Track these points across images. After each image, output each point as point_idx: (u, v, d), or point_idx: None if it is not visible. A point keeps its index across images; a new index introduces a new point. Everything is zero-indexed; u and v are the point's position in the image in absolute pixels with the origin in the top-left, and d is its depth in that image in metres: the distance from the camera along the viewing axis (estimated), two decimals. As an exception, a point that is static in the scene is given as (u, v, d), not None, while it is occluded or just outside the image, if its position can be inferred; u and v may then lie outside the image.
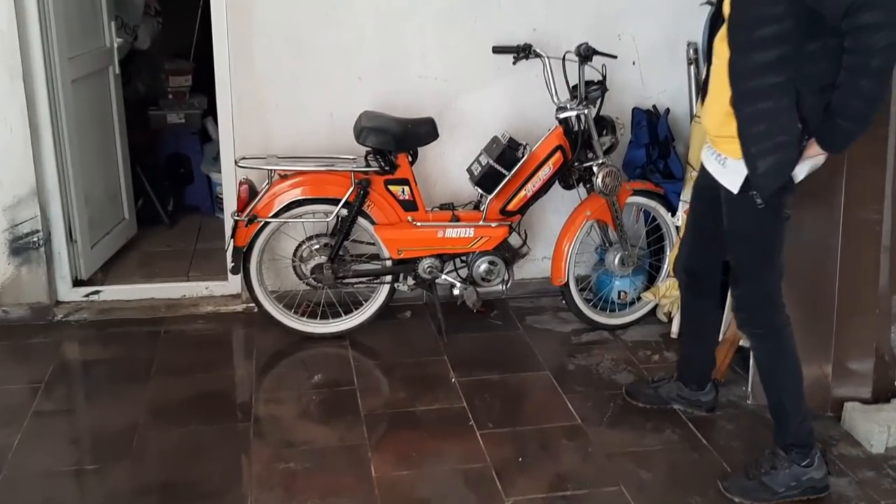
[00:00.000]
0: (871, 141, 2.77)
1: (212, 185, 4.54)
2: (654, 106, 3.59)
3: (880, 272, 2.86)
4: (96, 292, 3.57)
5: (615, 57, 3.19)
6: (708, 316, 2.81)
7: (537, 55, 3.24)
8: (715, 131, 2.35)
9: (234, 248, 3.18)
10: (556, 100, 3.21)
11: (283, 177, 3.18)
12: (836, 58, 2.05)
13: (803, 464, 2.43)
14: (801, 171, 2.25)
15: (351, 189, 3.13)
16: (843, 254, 2.82)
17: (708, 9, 3.47)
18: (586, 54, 3.10)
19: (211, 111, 4.56)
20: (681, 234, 3.45)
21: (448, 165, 3.56)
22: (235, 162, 3.22)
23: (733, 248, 2.46)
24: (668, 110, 3.55)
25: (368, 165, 3.18)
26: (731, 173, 2.29)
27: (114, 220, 3.94)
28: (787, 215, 2.31)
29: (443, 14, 3.39)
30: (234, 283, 3.56)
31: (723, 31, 2.23)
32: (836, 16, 1.97)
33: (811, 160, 2.24)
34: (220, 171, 3.61)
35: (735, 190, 2.28)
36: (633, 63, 3.55)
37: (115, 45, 3.84)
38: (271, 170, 3.15)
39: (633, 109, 3.55)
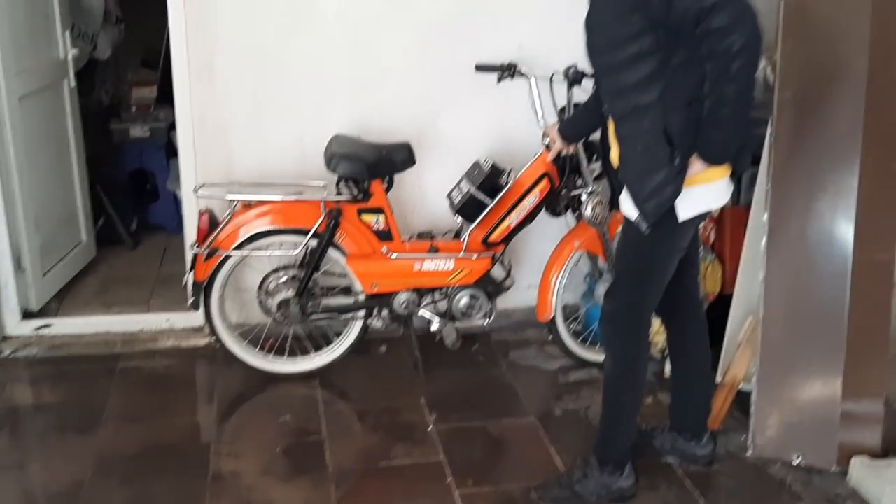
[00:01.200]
0: (884, 179, 2.61)
1: (178, 202, 4.28)
2: (646, 128, 3.37)
3: (892, 315, 2.67)
4: (47, 326, 3.32)
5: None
6: (694, 353, 2.62)
7: (523, 75, 3.01)
8: (614, 156, 2.31)
9: (194, 282, 2.94)
10: (542, 123, 2.99)
11: (248, 205, 2.94)
12: (701, 68, 2.02)
13: (615, 474, 2.47)
14: (685, 208, 2.18)
15: (321, 219, 2.90)
16: (854, 296, 2.62)
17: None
18: (575, 77, 2.88)
19: (178, 124, 4.32)
20: (675, 266, 3.26)
21: (426, 191, 3.34)
22: (194, 190, 2.97)
23: (616, 262, 2.50)
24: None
25: (340, 193, 2.95)
26: (626, 199, 2.25)
27: (70, 243, 3.69)
28: (676, 247, 2.29)
29: (422, 28, 3.17)
30: (196, 315, 3.31)
31: None
32: (690, 26, 1.95)
33: (696, 194, 2.17)
34: (187, 189, 3.38)
35: (632, 217, 2.25)
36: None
37: (71, 56, 3.57)
38: (234, 199, 2.91)
39: (624, 132, 3.33)
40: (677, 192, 2.13)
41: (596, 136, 3.07)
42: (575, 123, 2.82)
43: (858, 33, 2.63)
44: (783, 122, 2.73)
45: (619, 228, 2.46)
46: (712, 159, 2.11)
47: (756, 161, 3.12)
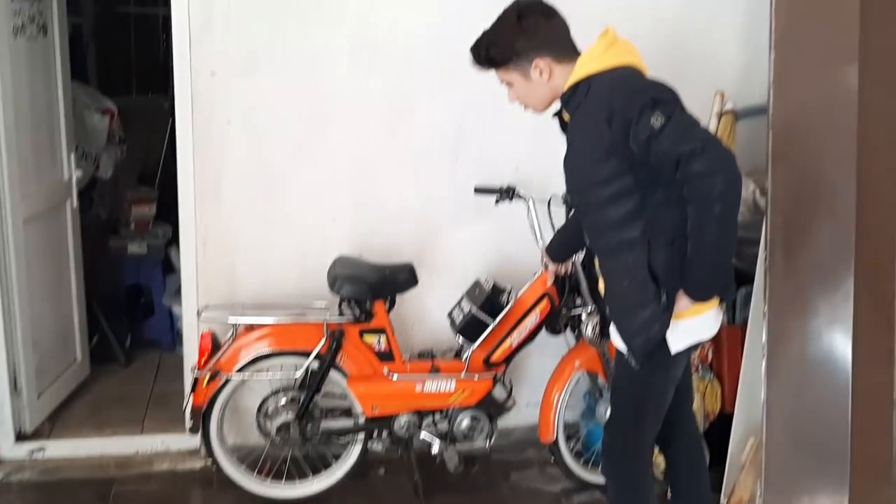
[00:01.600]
0: (877, 300, 2.67)
1: (173, 318, 4.27)
2: (641, 246, 3.45)
3: (892, 435, 2.68)
4: (41, 449, 3.24)
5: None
6: (694, 478, 2.59)
7: (521, 197, 3.10)
8: (601, 288, 2.37)
9: (194, 406, 2.91)
10: (541, 243, 3.05)
11: (250, 327, 2.94)
12: (683, 205, 2.06)
13: None
14: (676, 341, 2.18)
15: (323, 340, 2.91)
16: (855, 417, 2.64)
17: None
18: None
19: (175, 240, 4.35)
20: (675, 384, 3.27)
21: (427, 310, 3.36)
22: (198, 313, 2.98)
23: (611, 396, 2.46)
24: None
25: (342, 314, 2.97)
26: (616, 333, 2.27)
27: (64, 363, 3.65)
28: (669, 379, 2.28)
29: (422, 153, 3.26)
30: (192, 437, 3.26)
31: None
32: (670, 169, 2.00)
33: (686, 327, 2.18)
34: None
35: (624, 351, 2.24)
36: (619, 202, 3.43)
37: (75, 178, 3.63)
38: (237, 322, 2.92)
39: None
40: (665, 329, 2.14)
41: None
42: (559, 243, 2.86)
43: (845, 159, 2.74)
44: (776, 245, 2.81)
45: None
46: (698, 297, 2.14)
47: (749, 280, 3.19)
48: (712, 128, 3.36)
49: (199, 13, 2.98)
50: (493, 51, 2.21)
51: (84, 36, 5.21)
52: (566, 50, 2.20)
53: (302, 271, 3.23)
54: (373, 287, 2.92)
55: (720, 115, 3.34)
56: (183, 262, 3.20)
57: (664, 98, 2.04)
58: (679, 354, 2.23)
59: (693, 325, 2.20)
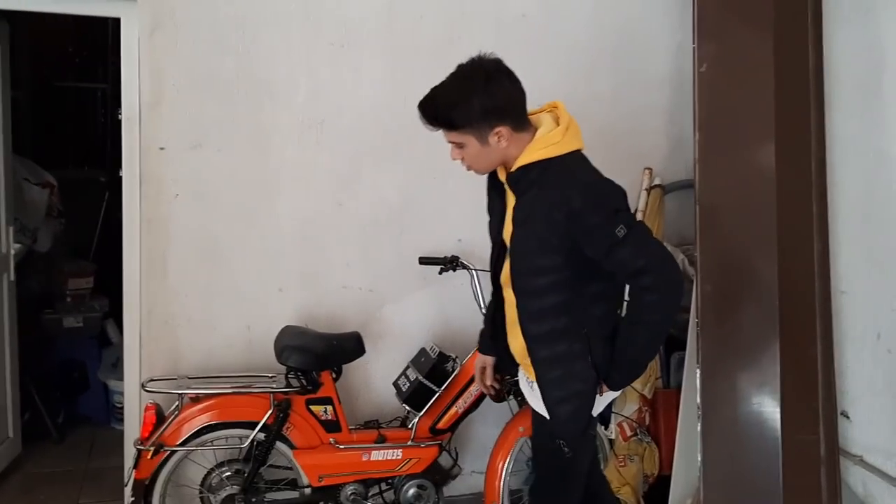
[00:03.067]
0: (802, 363, 2.83)
1: (109, 392, 4.19)
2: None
3: (822, 493, 2.81)
4: (-33, 532, 3.12)
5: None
6: None
7: (464, 267, 3.19)
8: (521, 359, 2.38)
9: (136, 481, 2.85)
10: (483, 311, 3.13)
11: (195, 399, 2.93)
12: (614, 299, 2.21)
13: None
14: (598, 405, 2.30)
15: (270, 411, 2.90)
16: (786, 475, 2.76)
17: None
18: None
19: (112, 313, 4.31)
20: (614, 448, 3.36)
21: (373, 378, 3.39)
22: (142, 385, 2.95)
23: (534, 463, 2.50)
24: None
25: (289, 385, 2.97)
26: (538, 398, 2.30)
27: (-5, 440, 3.53)
28: (588, 441, 2.42)
29: (367, 224, 3.34)
30: (131, 514, 3.18)
31: (505, 276, 2.30)
32: (622, 275, 2.13)
33: (605, 397, 2.31)
34: (119, 379, 3.32)
35: (548, 416, 2.29)
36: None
37: (13, 252, 3.58)
38: (182, 393, 2.90)
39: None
40: (591, 414, 2.27)
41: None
42: (490, 335, 2.60)
43: (767, 231, 2.94)
44: (706, 311, 2.97)
45: (533, 427, 2.49)
46: (616, 387, 2.28)
47: (682, 345, 3.34)
48: (642, 201, 3.55)
49: (150, 88, 3.03)
50: (454, 113, 2.10)
51: (21, 109, 5.19)
52: (523, 119, 2.17)
53: (247, 343, 3.23)
54: (320, 357, 2.95)
55: (649, 190, 3.54)
56: (126, 333, 3.17)
57: (623, 206, 2.12)
58: (595, 420, 2.37)
59: (600, 401, 2.31)
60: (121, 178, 3.15)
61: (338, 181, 3.28)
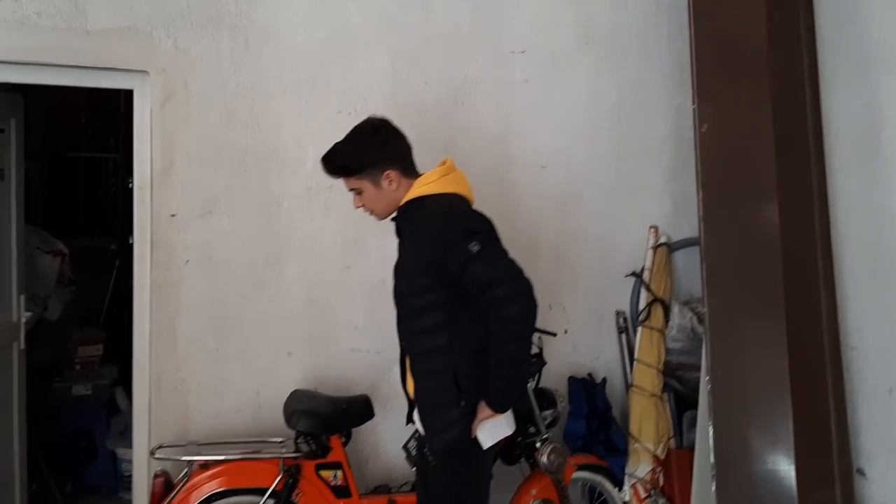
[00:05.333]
0: (816, 421, 2.81)
1: (117, 461, 4.16)
2: (589, 374, 3.56)
3: (842, 552, 2.76)
4: None
5: (554, 334, 3.16)
6: None
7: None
8: (409, 388, 2.55)
9: (144, 550, 2.82)
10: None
11: (204, 466, 2.91)
12: (486, 321, 2.26)
13: None
14: (486, 438, 2.40)
15: (279, 477, 2.87)
16: (805, 535, 2.72)
17: (633, 280, 3.61)
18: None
19: (121, 381, 4.30)
20: (628, 510, 3.31)
21: (382, 442, 3.37)
22: (151, 452, 2.93)
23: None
24: (604, 380, 3.52)
25: (298, 450, 2.96)
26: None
27: (2, 512, 3.49)
28: (486, 473, 2.51)
29: (375, 287, 3.35)
30: (138, 586, 3.13)
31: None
32: (477, 290, 2.24)
33: (492, 426, 2.40)
34: (127, 447, 3.29)
35: (422, 429, 2.48)
36: (566, 332, 3.56)
37: (23, 320, 3.61)
38: (190, 460, 2.88)
39: (569, 379, 3.51)
40: (466, 431, 2.36)
41: (546, 382, 3.23)
42: None
43: (774, 289, 2.95)
44: (717, 370, 2.96)
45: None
46: (497, 408, 2.36)
47: (693, 404, 3.32)
48: (648, 259, 3.57)
49: (161, 157, 3.09)
50: (349, 159, 2.50)
51: (34, 179, 5.28)
52: (410, 167, 2.52)
53: (256, 408, 3.22)
54: (329, 421, 2.94)
55: (655, 248, 3.56)
56: (135, 400, 3.17)
57: (481, 228, 2.32)
58: (488, 453, 2.46)
59: (498, 423, 2.43)
60: (131, 245, 3.19)
61: (344, 245, 3.32)
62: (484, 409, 2.36)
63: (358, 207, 2.57)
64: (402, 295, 2.50)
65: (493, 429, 2.42)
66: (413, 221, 2.45)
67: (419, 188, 2.46)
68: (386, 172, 2.46)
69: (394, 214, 2.56)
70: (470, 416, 2.36)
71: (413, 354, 2.48)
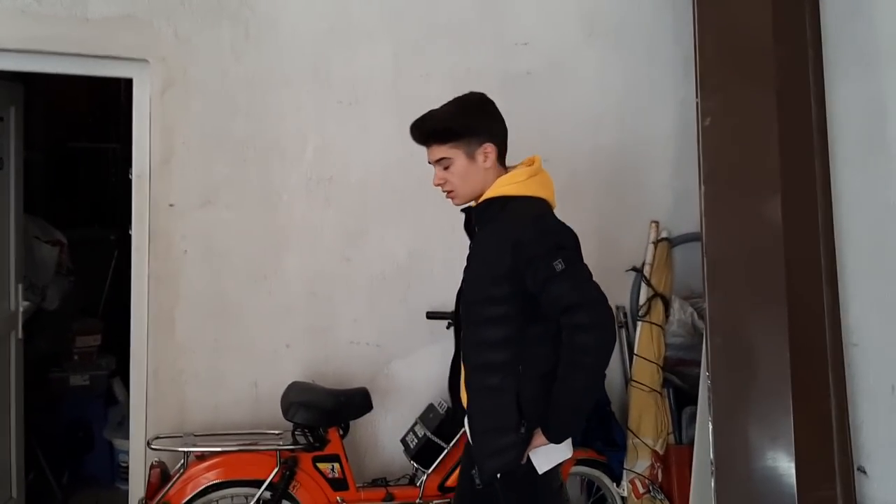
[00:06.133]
0: (817, 418, 2.79)
1: (114, 452, 4.15)
2: (588, 369, 3.54)
3: (842, 550, 2.75)
4: None
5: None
6: None
7: (472, 322, 3.18)
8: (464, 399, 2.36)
9: (140, 541, 2.81)
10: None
11: (201, 457, 2.89)
12: (556, 343, 2.11)
13: None
14: (542, 463, 2.21)
15: (276, 469, 2.86)
16: (804, 533, 2.71)
17: (633, 274, 3.59)
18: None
19: (119, 371, 4.29)
20: (627, 506, 3.30)
21: (380, 435, 3.36)
22: (148, 443, 2.92)
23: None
24: (604, 374, 3.50)
25: (296, 442, 2.94)
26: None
27: (-2, 501, 3.49)
28: (553, 491, 2.28)
29: (375, 280, 3.34)
30: (134, 577, 3.12)
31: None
32: (555, 311, 2.09)
33: (547, 450, 2.20)
34: (124, 438, 3.28)
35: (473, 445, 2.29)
36: (566, 327, 3.54)
37: (21, 309, 3.59)
38: (187, 451, 2.87)
39: (569, 374, 3.48)
40: (519, 458, 2.17)
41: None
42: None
43: (775, 283, 2.93)
44: (717, 366, 2.94)
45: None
46: (554, 438, 2.17)
47: (693, 400, 3.30)
48: (649, 254, 3.56)
49: (160, 146, 3.08)
50: (452, 122, 2.27)
51: (34, 169, 5.26)
52: (504, 151, 2.32)
53: (255, 399, 3.21)
54: (327, 413, 2.92)
55: (656, 243, 3.55)
56: (132, 391, 3.15)
57: (568, 245, 2.15)
58: (550, 473, 2.25)
59: (558, 448, 2.23)
60: (130, 236, 3.17)
61: (345, 237, 3.30)
62: (539, 437, 2.17)
63: (438, 185, 2.33)
64: (470, 304, 2.30)
65: (548, 452, 2.22)
66: (492, 223, 2.24)
67: (503, 186, 2.25)
68: (485, 145, 2.25)
69: (467, 205, 2.36)
70: (527, 443, 2.18)
71: (472, 367, 2.27)
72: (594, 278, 2.59)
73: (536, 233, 2.14)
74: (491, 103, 2.33)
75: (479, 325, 2.24)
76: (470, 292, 2.30)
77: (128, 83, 3.16)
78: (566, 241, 2.16)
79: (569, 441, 2.28)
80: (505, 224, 2.20)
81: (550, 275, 2.06)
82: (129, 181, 3.17)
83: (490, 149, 2.26)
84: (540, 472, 2.22)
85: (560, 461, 2.28)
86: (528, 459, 2.19)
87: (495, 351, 2.19)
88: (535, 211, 2.22)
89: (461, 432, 3.03)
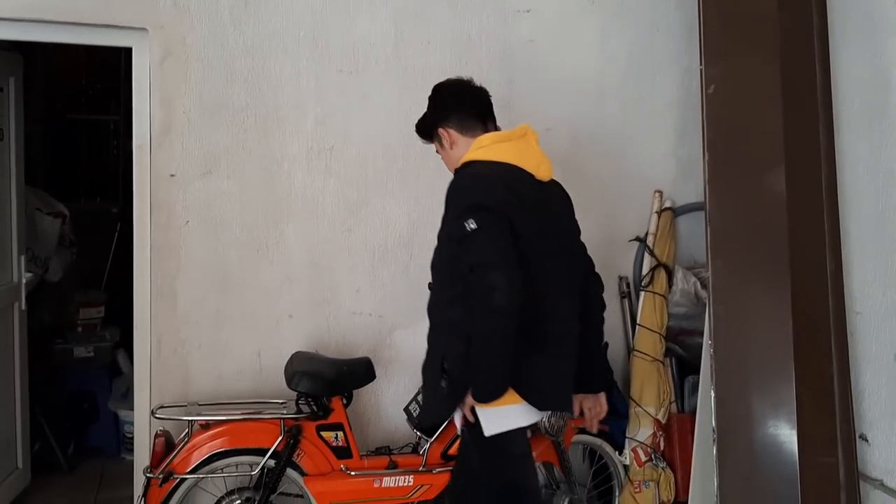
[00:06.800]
0: (818, 386, 2.79)
1: (119, 422, 4.18)
2: (590, 339, 3.55)
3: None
4: (-26, 566, 3.09)
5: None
6: None
7: (474, 292, 3.18)
8: None
9: (146, 509, 2.83)
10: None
11: (205, 426, 2.91)
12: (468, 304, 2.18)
13: None
14: (489, 426, 2.28)
15: (280, 438, 2.88)
16: (805, 499, 2.71)
17: (636, 244, 3.58)
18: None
19: (123, 343, 4.31)
20: (629, 474, 3.31)
21: (383, 404, 3.37)
22: (152, 412, 2.93)
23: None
24: (606, 344, 3.49)
25: (300, 411, 2.96)
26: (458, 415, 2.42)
27: (4, 472, 3.51)
28: (512, 455, 2.38)
29: (377, 250, 3.33)
30: (140, 546, 3.15)
31: None
32: (467, 272, 2.18)
33: (495, 415, 2.28)
34: (129, 408, 3.29)
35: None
36: (568, 297, 3.54)
37: (24, 281, 3.60)
38: (191, 420, 2.88)
39: (571, 343, 3.49)
40: (445, 411, 2.38)
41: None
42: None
43: (778, 252, 2.91)
44: (719, 333, 2.94)
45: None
46: (478, 397, 2.24)
47: (695, 369, 3.31)
48: (653, 224, 3.54)
49: (160, 116, 3.06)
50: (419, 124, 2.56)
51: (35, 141, 5.25)
52: (468, 125, 2.43)
53: (258, 369, 3.22)
54: (331, 382, 2.93)
55: (660, 213, 3.53)
56: (136, 361, 3.16)
57: (486, 205, 2.19)
58: (510, 435, 2.32)
59: (505, 414, 2.30)
60: (132, 209, 3.16)
61: (347, 207, 3.29)
62: (468, 397, 2.27)
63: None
64: (433, 265, 2.44)
65: (496, 416, 2.29)
66: (450, 188, 2.36)
67: (470, 152, 2.37)
68: (440, 131, 2.45)
69: None
70: (454, 400, 2.29)
71: (430, 325, 2.40)
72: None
73: (457, 192, 2.28)
74: (437, 89, 2.51)
75: (437, 284, 2.40)
76: (435, 255, 2.44)
77: (127, 54, 3.14)
78: (485, 200, 2.20)
79: (523, 409, 2.32)
80: (457, 185, 2.33)
81: (463, 234, 2.17)
82: (131, 153, 3.15)
83: (446, 132, 2.44)
84: (486, 433, 2.28)
85: (511, 427, 2.33)
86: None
87: (439, 310, 2.34)
88: (478, 171, 2.30)
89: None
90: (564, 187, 2.57)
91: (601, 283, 2.61)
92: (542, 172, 2.38)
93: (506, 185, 2.26)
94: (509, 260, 2.15)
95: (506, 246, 2.17)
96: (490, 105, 2.50)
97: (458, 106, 2.46)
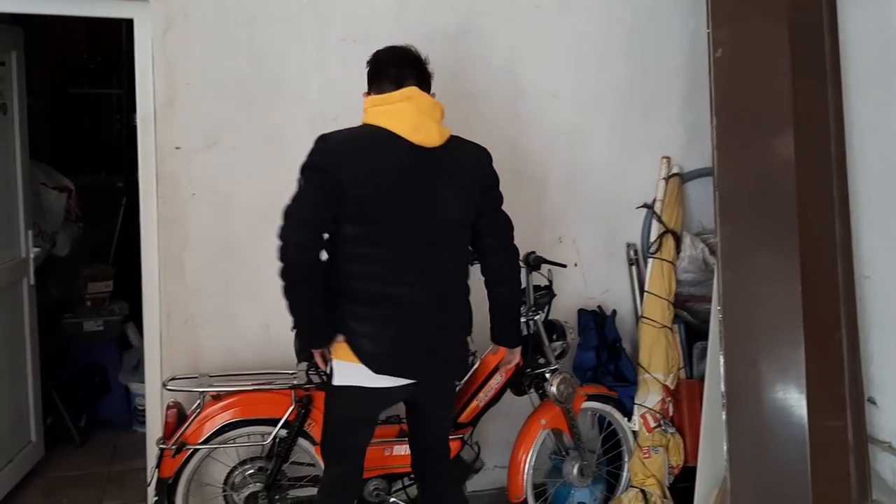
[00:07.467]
0: (827, 349, 2.79)
1: (130, 395, 4.21)
2: (598, 307, 3.55)
3: (850, 480, 2.77)
4: (-10, 539, 3.13)
5: (564, 266, 3.14)
6: None
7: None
8: None
9: (159, 479, 2.85)
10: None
11: (216, 397, 2.93)
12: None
13: None
14: (336, 377, 2.43)
15: (291, 408, 2.90)
16: (814, 462, 2.72)
17: (644, 211, 3.57)
18: (535, 263, 3.05)
19: (132, 316, 4.32)
20: (639, 440, 3.33)
21: (392, 374, 3.37)
22: (163, 384, 2.95)
23: None
24: (614, 311, 3.51)
25: (310, 381, 2.97)
26: None
27: (18, 445, 3.55)
28: (346, 413, 2.48)
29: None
30: (154, 516, 3.18)
31: None
32: None
33: (341, 367, 2.42)
34: (140, 381, 3.31)
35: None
36: (576, 265, 3.53)
37: (32, 256, 3.60)
38: (203, 391, 2.90)
39: (579, 311, 3.49)
40: (301, 356, 2.65)
41: (556, 314, 3.22)
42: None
43: (787, 218, 2.90)
44: (728, 298, 2.93)
45: None
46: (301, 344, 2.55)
47: (704, 335, 3.31)
48: (660, 190, 3.52)
49: (164, 88, 3.04)
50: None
51: (37, 116, 5.23)
52: (378, 87, 2.46)
53: (267, 341, 3.23)
54: (340, 352, 2.94)
55: (667, 179, 3.51)
56: (146, 334, 3.18)
57: (313, 164, 2.32)
58: (353, 393, 2.42)
59: (344, 368, 2.41)
60: (138, 182, 3.16)
61: (353, 177, 3.27)
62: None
63: None
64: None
65: (341, 370, 2.43)
66: None
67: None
68: (364, 97, 2.49)
69: None
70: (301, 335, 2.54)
71: None
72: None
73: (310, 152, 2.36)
74: (371, 57, 2.53)
75: None
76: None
77: (129, 26, 3.11)
78: (315, 158, 2.32)
79: (363, 371, 2.36)
80: None
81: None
82: (134, 127, 3.14)
83: (366, 96, 2.47)
84: (333, 382, 2.44)
85: (352, 384, 2.41)
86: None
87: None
88: (336, 134, 2.37)
89: (472, 369, 3.06)
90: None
91: (515, 259, 2.63)
92: (421, 137, 2.34)
93: (356, 147, 2.33)
94: (307, 218, 2.28)
95: (313, 205, 2.29)
96: (413, 69, 2.46)
97: (373, 68, 2.51)
